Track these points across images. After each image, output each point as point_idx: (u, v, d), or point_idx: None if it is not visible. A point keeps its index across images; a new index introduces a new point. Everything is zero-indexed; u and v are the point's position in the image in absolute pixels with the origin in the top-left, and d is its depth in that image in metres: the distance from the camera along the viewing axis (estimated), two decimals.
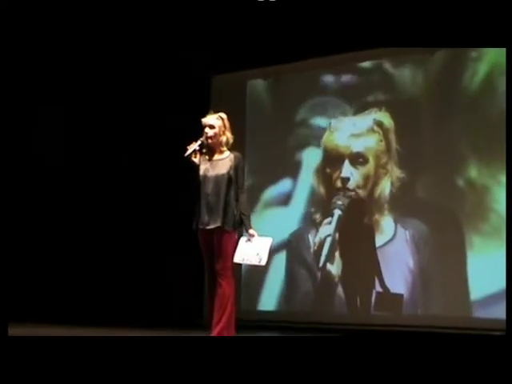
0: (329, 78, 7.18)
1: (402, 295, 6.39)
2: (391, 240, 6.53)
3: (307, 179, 7.16)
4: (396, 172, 6.56)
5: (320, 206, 7.00)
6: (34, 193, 8.03)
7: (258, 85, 7.65)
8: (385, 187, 6.60)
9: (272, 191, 7.37)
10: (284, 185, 7.32)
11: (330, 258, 6.83)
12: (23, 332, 4.79)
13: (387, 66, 6.83)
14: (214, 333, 4.48)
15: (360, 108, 6.88)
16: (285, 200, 7.26)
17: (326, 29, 6.40)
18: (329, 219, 6.86)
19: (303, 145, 7.23)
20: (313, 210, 7.06)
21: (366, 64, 6.96)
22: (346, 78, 7.07)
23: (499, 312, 5.68)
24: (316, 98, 7.17)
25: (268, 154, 7.41)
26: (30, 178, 8.02)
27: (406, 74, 6.70)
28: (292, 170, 7.26)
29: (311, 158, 7.16)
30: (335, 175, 6.87)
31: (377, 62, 6.89)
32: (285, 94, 7.39)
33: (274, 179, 7.37)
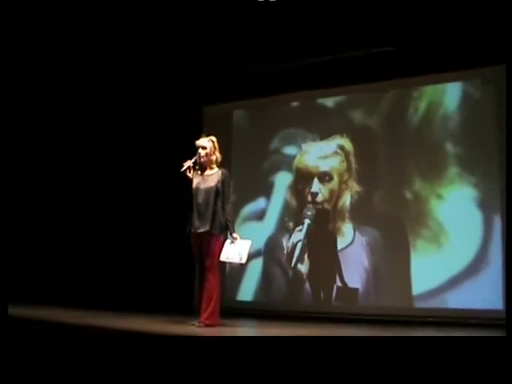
0: (301, 110, 7.75)
1: (357, 289, 6.93)
2: (350, 244, 7.07)
3: (282, 194, 7.69)
4: (355, 187, 7.14)
5: (292, 216, 7.52)
6: (35, 182, 8.49)
7: (242, 114, 8.19)
8: (346, 200, 7.16)
9: (253, 203, 7.86)
10: (264, 198, 7.82)
11: (300, 259, 7.32)
12: (23, 312, 5.15)
13: (349, 101, 7.44)
14: (202, 319, 5.02)
15: (326, 135, 7.46)
16: (264, 211, 7.78)
17: (299, 67, 7.23)
18: (300, 227, 7.41)
19: (279, 165, 7.76)
20: (286, 219, 7.60)
21: (332, 99, 7.54)
22: (314, 110, 7.62)
23: (435, 303, 6.50)
24: (290, 126, 7.71)
25: (250, 172, 7.88)
26: (31, 170, 8.50)
27: (364, 107, 7.30)
28: (270, 186, 7.78)
29: (286, 176, 7.69)
30: (306, 191, 7.42)
31: (341, 97, 7.51)
32: (264, 123, 7.93)
33: (256, 193, 7.86)
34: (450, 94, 6.89)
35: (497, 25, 4.99)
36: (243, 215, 7.88)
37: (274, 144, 7.88)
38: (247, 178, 7.92)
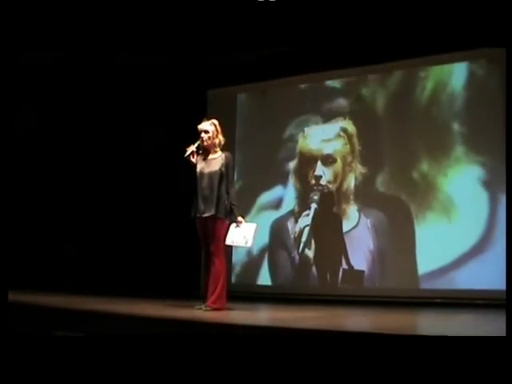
0: (303, 93, 7.75)
1: (363, 271, 7.02)
2: (356, 226, 7.14)
3: (286, 177, 7.72)
4: (359, 169, 7.20)
5: (298, 199, 7.58)
6: (43, 171, 8.42)
7: (245, 97, 8.28)
8: (350, 182, 7.23)
9: (258, 186, 7.91)
10: (268, 181, 7.85)
11: (307, 244, 7.38)
12: (23, 299, 5.08)
13: (351, 83, 7.48)
14: (209, 302, 5.04)
15: (328, 117, 7.48)
16: (269, 194, 7.81)
17: (302, 50, 7.10)
18: (307, 212, 7.46)
19: (283, 148, 7.76)
20: (292, 203, 7.63)
21: (335, 81, 7.57)
22: (318, 92, 7.65)
23: (439, 284, 6.57)
24: (293, 109, 7.74)
25: (254, 156, 7.96)
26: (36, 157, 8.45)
27: (366, 89, 7.33)
28: (275, 169, 7.82)
29: (289, 160, 7.72)
30: (310, 174, 7.47)
31: (344, 79, 7.53)
32: (268, 106, 7.99)
33: (261, 177, 7.90)
34: (456, 74, 6.92)
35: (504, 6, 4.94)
36: (249, 199, 7.90)
37: (278, 127, 7.92)
38: (251, 161, 7.99)
